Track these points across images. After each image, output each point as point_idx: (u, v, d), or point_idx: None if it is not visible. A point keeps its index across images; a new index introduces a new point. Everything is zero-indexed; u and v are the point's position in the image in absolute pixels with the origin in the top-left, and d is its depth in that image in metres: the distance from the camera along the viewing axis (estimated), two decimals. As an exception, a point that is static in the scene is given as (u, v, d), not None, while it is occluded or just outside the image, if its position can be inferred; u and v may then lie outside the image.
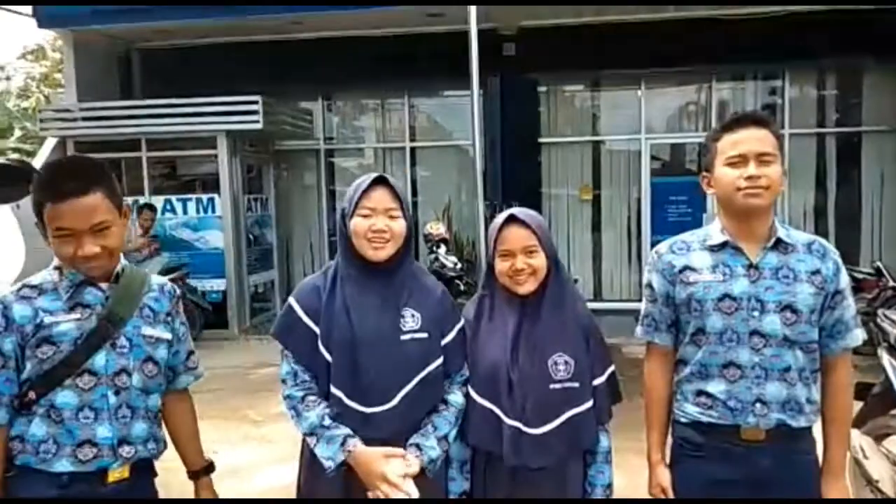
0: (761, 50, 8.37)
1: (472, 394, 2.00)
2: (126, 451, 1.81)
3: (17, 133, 18.02)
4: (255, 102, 8.25)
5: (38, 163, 8.58)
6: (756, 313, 1.92)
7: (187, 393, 2.10)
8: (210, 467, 2.11)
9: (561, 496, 2.00)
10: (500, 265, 2.01)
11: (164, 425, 2.01)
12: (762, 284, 1.93)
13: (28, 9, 8.87)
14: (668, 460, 2.10)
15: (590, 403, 1.99)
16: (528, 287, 2.00)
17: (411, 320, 1.96)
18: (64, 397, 1.75)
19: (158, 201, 8.55)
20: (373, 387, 1.90)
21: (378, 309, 1.95)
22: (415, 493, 1.83)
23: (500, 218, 2.05)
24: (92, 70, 9.27)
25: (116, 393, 1.80)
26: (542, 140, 9.49)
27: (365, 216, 1.93)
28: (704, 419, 1.97)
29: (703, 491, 1.96)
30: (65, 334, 1.76)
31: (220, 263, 8.58)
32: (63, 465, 1.74)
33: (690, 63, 8.73)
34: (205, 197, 8.67)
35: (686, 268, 2.02)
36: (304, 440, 2.00)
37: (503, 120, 9.00)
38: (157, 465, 1.98)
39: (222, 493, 4.32)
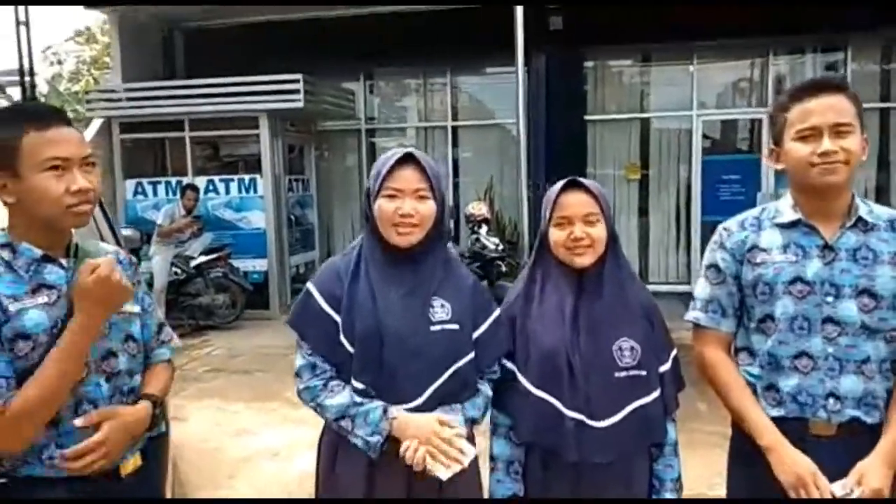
0: (821, 21, 7.92)
1: (526, 384, 1.82)
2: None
3: (69, 115, 18.45)
4: (297, 81, 8.20)
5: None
6: (830, 298, 1.73)
7: (170, 364, 1.87)
8: (157, 404, 1.74)
9: (627, 494, 1.83)
10: (557, 234, 1.83)
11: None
12: (837, 267, 1.74)
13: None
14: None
15: (657, 393, 1.83)
16: (586, 259, 1.82)
17: (441, 311, 1.79)
18: None
19: (201, 182, 8.58)
20: (400, 382, 1.73)
21: (406, 298, 1.78)
22: (471, 452, 1.70)
23: (559, 184, 1.87)
24: (136, 51, 9.32)
25: (108, 379, 1.63)
26: (588, 117, 9.22)
27: (391, 197, 1.75)
28: (771, 414, 1.79)
29: (766, 490, 1.76)
30: (37, 325, 1.52)
31: (262, 244, 8.60)
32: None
33: (745, 35, 8.32)
34: (247, 177, 8.68)
35: (754, 247, 1.83)
36: (322, 435, 1.86)
37: (548, 97, 8.75)
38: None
39: (264, 476, 4.32)
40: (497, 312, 1.90)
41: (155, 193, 8.80)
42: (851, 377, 1.73)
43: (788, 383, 1.77)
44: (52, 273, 1.59)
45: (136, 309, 1.74)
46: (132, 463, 1.68)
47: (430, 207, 1.77)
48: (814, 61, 8.93)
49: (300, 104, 8.25)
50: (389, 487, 1.75)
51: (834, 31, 8.28)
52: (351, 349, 1.75)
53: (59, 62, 24.02)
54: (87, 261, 1.59)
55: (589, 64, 9.23)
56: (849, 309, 1.72)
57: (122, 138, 8.84)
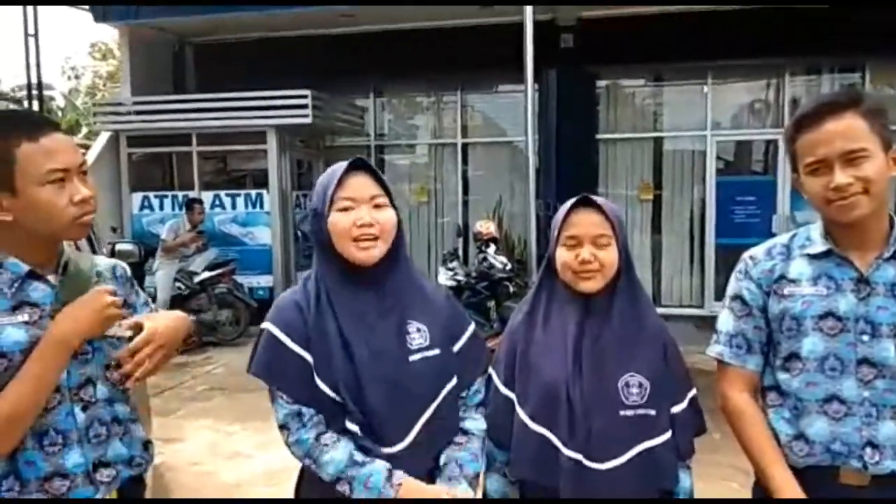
0: (838, 40, 7.77)
1: (523, 417, 1.66)
2: (105, 475, 1.52)
3: (84, 130, 18.55)
4: (305, 97, 8.14)
5: (91, 157, 8.66)
6: (866, 337, 1.55)
7: None
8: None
9: None
10: (564, 256, 1.68)
11: (143, 426, 1.69)
12: (874, 303, 1.56)
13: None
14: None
15: (668, 435, 1.65)
16: (593, 284, 1.66)
17: (418, 336, 1.61)
18: None
19: (207, 196, 8.50)
20: (384, 423, 1.56)
21: (378, 327, 1.60)
22: None
23: (570, 201, 1.71)
24: (146, 65, 9.32)
25: (84, 409, 1.50)
26: (600, 136, 9.09)
27: (345, 209, 1.56)
28: (799, 463, 1.62)
29: None
30: (15, 343, 1.41)
31: (268, 260, 8.50)
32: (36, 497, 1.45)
33: (761, 55, 8.18)
34: (253, 192, 8.60)
35: (782, 277, 1.66)
36: (301, 471, 1.70)
37: (559, 115, 8.63)
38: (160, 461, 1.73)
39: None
40: (472, 327, 1.74)
41: (161, 207, 8.73)
42: (890, 424, 1.54)
43: (819, 430, 1.59)
44: (37, 291, 1.48)
45: (128, 334, 1.57)
46: (109, 497, 1.54)
47: (389, 216, 1.59)
48: (831, 82, 8.77)
49: (308, 119, 8.18)
50: None
51: (851, 51, 8.11)
52: (331, 393, 1.56)
53: (77, 77, 24.28)
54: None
55: (601, 82, 9.11)
56: (887, 350, 1.54)
57: (130, 152, 8.79)
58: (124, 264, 1.75)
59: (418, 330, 1.61)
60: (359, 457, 1.55)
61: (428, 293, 1.69)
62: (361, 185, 1.58)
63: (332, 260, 1.62)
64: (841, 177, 1.50)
